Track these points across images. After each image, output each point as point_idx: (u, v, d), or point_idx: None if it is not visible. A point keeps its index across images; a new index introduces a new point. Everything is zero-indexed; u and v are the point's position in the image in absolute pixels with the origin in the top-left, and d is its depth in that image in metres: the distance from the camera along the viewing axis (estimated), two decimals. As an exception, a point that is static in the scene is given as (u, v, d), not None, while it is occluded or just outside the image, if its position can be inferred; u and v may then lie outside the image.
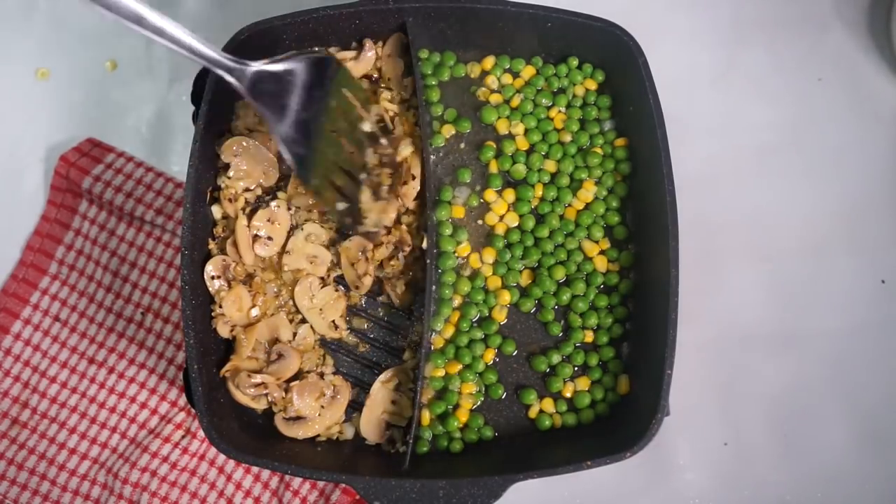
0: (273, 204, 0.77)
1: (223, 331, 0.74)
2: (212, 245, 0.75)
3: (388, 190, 0.75)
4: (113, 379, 0.85)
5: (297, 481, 0.82)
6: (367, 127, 0.73)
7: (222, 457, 0.83)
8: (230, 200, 0.75)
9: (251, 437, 0.73)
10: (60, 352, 0.86)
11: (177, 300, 0.86)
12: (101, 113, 0.91)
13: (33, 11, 0.93)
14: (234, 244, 0.75)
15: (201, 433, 0.83)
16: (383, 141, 0.75)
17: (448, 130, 0.79)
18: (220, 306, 0.74)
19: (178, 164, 0.90)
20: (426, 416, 0.74)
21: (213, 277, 0.74)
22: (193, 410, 0.78)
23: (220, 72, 0.64)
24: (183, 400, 0.85)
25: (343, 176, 0.72)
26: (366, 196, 0.74)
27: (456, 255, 0.77)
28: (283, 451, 0.72)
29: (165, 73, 0.92)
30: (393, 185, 0.75)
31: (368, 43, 0.79)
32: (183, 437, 0.83)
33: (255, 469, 0.83)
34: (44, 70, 0.92)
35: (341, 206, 0.72)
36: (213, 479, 0.82)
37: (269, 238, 0.76)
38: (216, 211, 0.76)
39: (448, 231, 0.77)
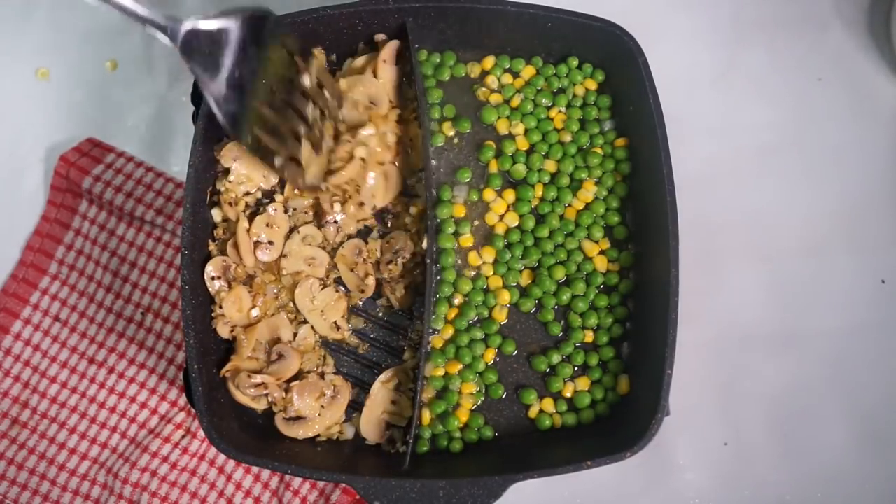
0: (271, 208, 0.77)
1: (223, 331, 0.74)
2: (212, 246, 0.75)
3: (331, 140, 0.75)
4: (113, 379, 0.85)
5: (297, 481, 0.82)
6: (306, 81, 0.72)
7: (222, 457, 0.83)
8: (231, 204, 0.75)
9: (251, 437, 0.73)
10: (60, 352, 0.86)
11: (177, 300, 0.86)
12: (101, 113, 0.91)
13: (33, 11, 0.93)
14: (235, 246, 0.75)
15: (201, 433, 0.83)
16: (326, 93, 0.74)
17: (448, 129, 0.79)
18: (221, 307, 0.74)
19: (178, 164, 0.90)
20: (426, 416, 0.74)
21: (213, 278, 0.74)
22: (193, 410, 0.78)
23: (152, 30, 0.62)
24: (183, 400, 0.85)
25: (281, 132, 0.71)
26: (306, 150, 0.72)
27: (457, 249, 0.77)
28: (283, 451, 0.73)
29: (165, 73, 0.92)
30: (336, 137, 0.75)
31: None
32: (183, 437, 0.83)
33: (255, 469, 0.83)
34: (44, 70, 0.92)
35: (279, 160, 0.70)
36: (213, 479, 0.82)
37: (270, 242, 0.76)
38: (216, 214, 0.76)
39: (450, 229, 0.77)
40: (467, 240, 0.77)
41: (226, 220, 0.76)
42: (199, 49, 0.64)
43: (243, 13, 0.66)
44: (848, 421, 0.84)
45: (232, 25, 0.65)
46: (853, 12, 0.93)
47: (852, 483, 0.83)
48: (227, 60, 0.65)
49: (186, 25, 0.63)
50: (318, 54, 0.78)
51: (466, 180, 0.78)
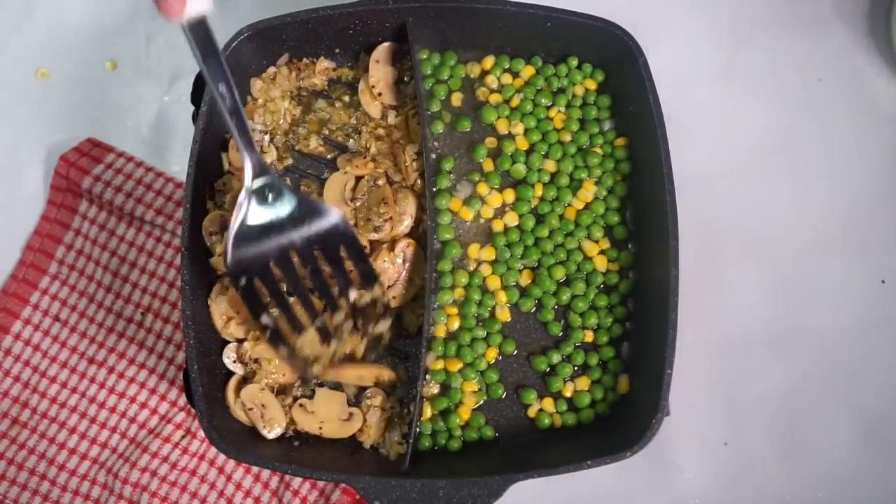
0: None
1: (237, 331, 0.74)
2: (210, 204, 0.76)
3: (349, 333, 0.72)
4: (113, 379, 0.85)
5: (297, 481, 0.82)
6: (353, 296, 0.70)
7: (222, 457, 0.83)
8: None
9: (251, 437, 0.74)
10: (60, 352, 0.86)
11: (177, 300, 0.86)
12: (101, 113, 0.91)
13: (33, 11, 0.93)
14: None
15: (201, 433, 0.83)
16: (376, 289, 0.72)
17: (446, 118, 0.80)
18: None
19: (178, 164, 0.90)
20: (427, 411, 0.74)
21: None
22: (193, 410, 0.78)
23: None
24: (183, 400, 0.85)
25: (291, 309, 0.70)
26: (310, 337, 0.70)
27: (458, 236, 0.77)
28: (283, 451, 0.72)
29: (165, 73, 0.92)
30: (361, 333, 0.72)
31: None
32: (183, 437, 0.83)
33: (255, 469, 0.83)
34: (44, 70, 0.92)
35: (265, 319, 0.69)
36: (213, 479, 0.82)
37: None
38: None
39: (447, 220, 0.77)
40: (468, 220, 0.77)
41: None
42: (263, 194, 0.67)
43: (314, 206, 0.69)
44: (848, 421, 0.84)
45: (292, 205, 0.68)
46: (853, 12, 0.93)
47: (852, 483, 0.83)
48: (287, 230, 0.68)
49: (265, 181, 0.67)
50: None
51: (448, 168, 0.78)
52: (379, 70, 0.79)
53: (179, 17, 0.59)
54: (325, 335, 0.70)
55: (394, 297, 0.75)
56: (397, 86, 0.79)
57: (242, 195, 0.67)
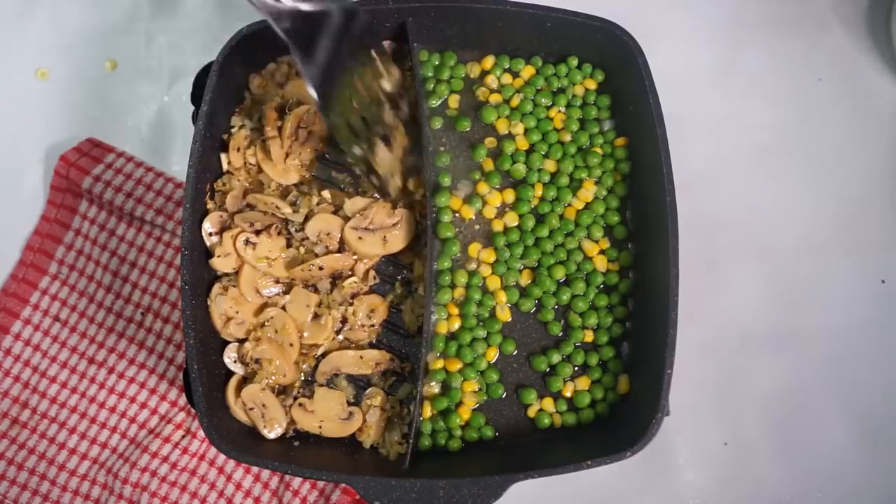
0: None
1: (238, 331, 0.74)
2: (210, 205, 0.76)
3: (402, 148, 0.76)
4: (113, 379, 0.85)
5: (297, 481, 0.82)
6: (387, 85, 0.73)
7: (222, 457, 0.83)
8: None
9: (251, 437, 0.74)
10: (60, 352, 0.86)
11: (177, 300, 0.86)
12: (101, 113, 0.91)
13: (33, 11, 0.93)
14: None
15: (201, 433, 0.83)
16: (403, 106, 0.75)
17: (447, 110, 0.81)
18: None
19: (178, 164, 0.90)
20: (427, 410, 0.74)
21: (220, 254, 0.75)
22: (193, 410, 0.78)
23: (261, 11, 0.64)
24: (183, 400, 0.85)
25: (361, 122, 0.72)
26: (381, 148, 0.74)
27: (458, 238, 0.77)
28: (283, 451, 0.72)
29: (165, 73, 0.92)
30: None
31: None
32: (183, 437, 0.83)
33: (255, 469, 0.83)
34: (44, 70, 0.92)
35: (357, 150, 0.72)
36: (213, 479, 0.82)
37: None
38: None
39: (447, 217, 0.77)
40: (467, 211, 0.78)
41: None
42: (298, 29, 0.66)
43: (342, 3, 0.68)
44: (848, 421, 0.84)
45: (332, 10, 0.67)
46: (853, 12, 0.93)
47: (851, 482, 0.83)
48: (324, 43, 0.67)
49: (287, 5, 0.65)
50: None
51: (446, 163, 0.79)
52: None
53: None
54: (386, 140, 0.74)
55: (397, 233, 0.76)
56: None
57: (288, 44, 0.66)
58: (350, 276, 0.76)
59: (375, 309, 0.76)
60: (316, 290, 0.76)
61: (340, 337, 0.76)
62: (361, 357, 0.75)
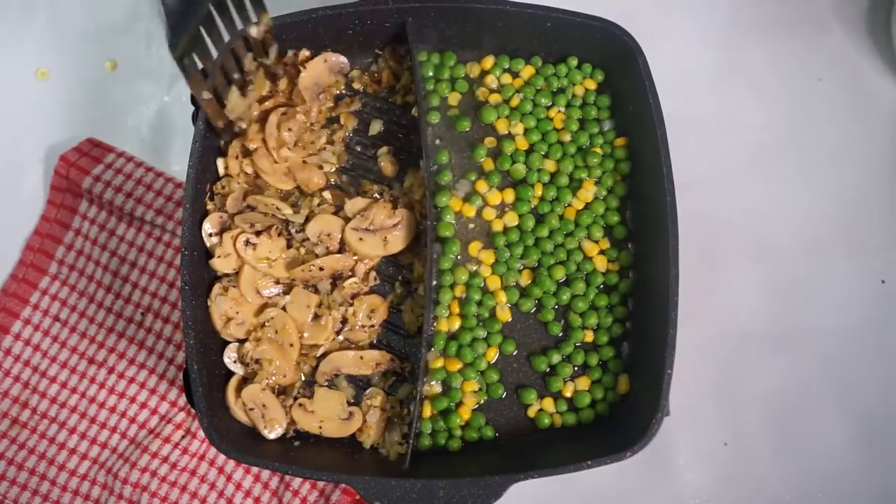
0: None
1: (238, 331, 0.74)
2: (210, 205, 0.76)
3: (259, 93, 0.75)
4: (113, 379, 0.85)
5: (297, 481, 0.82)
6: (254, 32, 0.71)
7: (222, 457, 0.83)
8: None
9: (251, 437, 0.73)
10: (60, 352, 0.86)
11: (177, 300, 0.86)
12: (101, 113, 0.91)
13: (33, 11, 0.93)
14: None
15: (201, 433, 0.83)
16: (270, 53, 0.74)
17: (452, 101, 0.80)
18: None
19: (178, 164, 0.90)
20: (427, 410, 0.74)
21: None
22: (193, 410, 0.78)
23: None
24: (183, 400, 0.85)
25: (216, 66, 0.70)
26: (234, 93, 0.72)
27: (458, 231, 0.77)
28: (283, 452, 0.72)
29: (165, 73, 0.92)
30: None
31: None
32: (183, 437, 0.83)
33: (255, 469, 0.83)
34: (44, 70, 0.92)
35: (207, 95, 0.69)
36: (213, 479, 0.82)
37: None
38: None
39: (448, 217, 0.77)
40: (463, 206, 0.78)
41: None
42: None
43: None
44: (848, 421, 0.84)
45: None
46: (852, 13, 0.93)
47: (851, 482, 0.83)
48: None
49: None
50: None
51: (444, 161, 0.78)
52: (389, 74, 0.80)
53: None
54: (242, 86, 0.73)
55: (397, 234, 0.76)
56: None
57: None
58: (350, 276, 0.76)
59: (376, 309, 0.76)
60: (316, 291, 0.76)
61: (341, 337, 0.76)
62: (362, 357, 0.75)
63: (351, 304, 0.76)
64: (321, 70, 0.79)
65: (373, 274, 0.77)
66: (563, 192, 0.78)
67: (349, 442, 0.75)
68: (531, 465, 0.69)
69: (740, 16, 0.93)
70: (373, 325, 0.76)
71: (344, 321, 0.76)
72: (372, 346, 0.77)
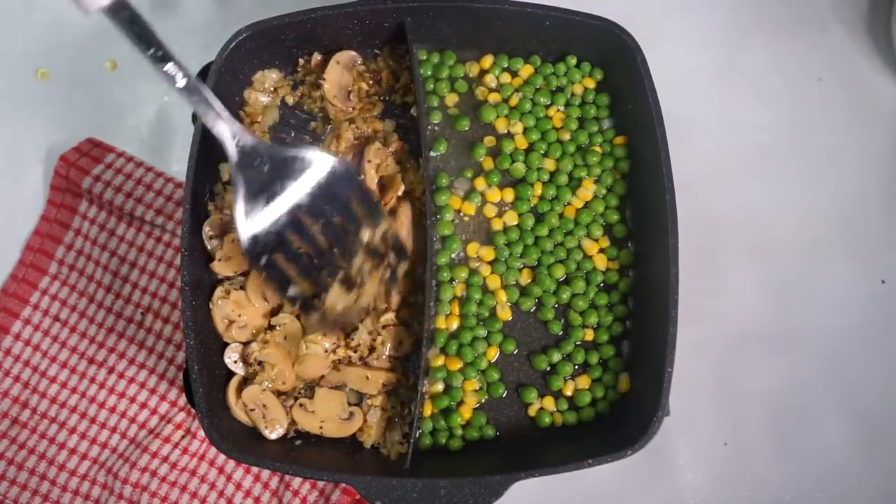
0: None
1: (241, 335, 0.74)
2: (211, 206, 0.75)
3: (370, 275, 0.71)
4: (113, 379, 0.85)
5: (297, 481, 0.82)
6: (366, 236, 0.70)
7: (222, 457, 0.83)
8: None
9: (251, 437, 0.73)
10: (60, 352, 0.86)
11: (177, 300, 0.86)
12: (101, 113, 0.91)
13: (33, 11, 0.93)
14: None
15: (201, 433, 0.83)
16: (390, 260, 0.72)
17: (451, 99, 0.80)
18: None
19: (178, 164, 0.90)
20: (428, 408, 0.74)
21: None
22: (193, 410, 0.78)
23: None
24: (183, 400, 0.85)
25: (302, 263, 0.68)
26: (335, 291, 0.70)
27: (458, 235, 0.78)
28: (283, 452, 0.72)
29: (165, 74, 0.92)
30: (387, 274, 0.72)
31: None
32: (183, 437, 0.83)
33: (255, 469, 0.83)
34: (44, 70, 0.92)
35: (293, 291, 0.69)
36: (213, 479, 0.82)
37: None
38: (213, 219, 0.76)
39: (448, 216, 0.77)
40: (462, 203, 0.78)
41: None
42: (258, 167, 0.64)
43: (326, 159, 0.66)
44: (848, 421, 0.84)
45: (309, 159, 0.65)
46: (852, 13, 0.93)
47: (851, 482, 0.83)
48: (287, 190, 0.65)
49: (250, 141, 0.63)
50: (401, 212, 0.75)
51: (468, 176, 0.78)
52: (335, 72, 0.79)
53: (100, 4, 0.56)
54: (349, 284, 0.69)
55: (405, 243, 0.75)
56: (349, 93, 0.80)
57: (234, 171, 0.64)
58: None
59: (403, 341, 0.75)
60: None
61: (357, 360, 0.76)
62: (368, 377, 0.74)
63: (380, 335, 0.75)
64: (339, 73, 0.79)
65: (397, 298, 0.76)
66: (563, 190, 0.78)
67: (350, 441, 0.75)
68: (532, 464, 0.69)
69: (740, 16, 0.93)
70: (397, 357, 0.76)
71: (371, 349, 0.75)
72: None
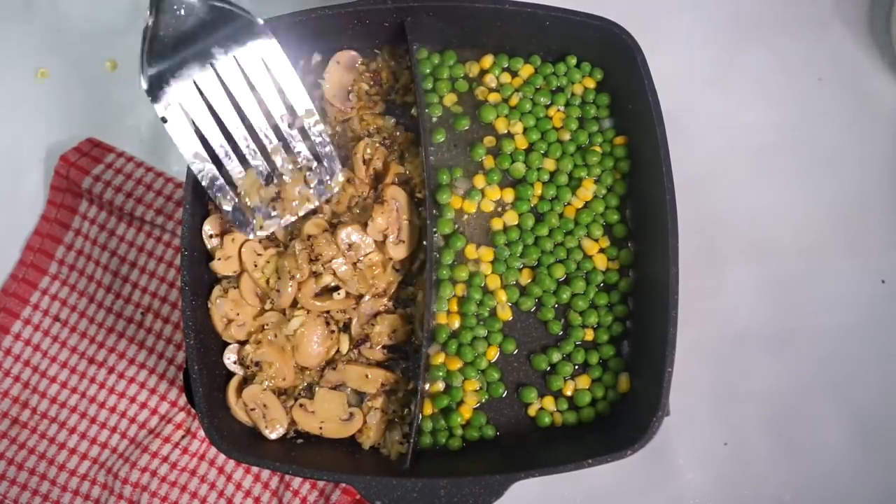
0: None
1: (239, 333, 0.74)
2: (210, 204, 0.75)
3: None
4: (113, 379, 0.85)
5: (297, 481, 0.82)
6: (282, 125, 0.68)
7: (222, 457, 0.83)
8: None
9: (251, 437, 0.74)
10: (60, 352, 0.86)
11: (177, 300, 0.86)
12: (101, 113, 0.91)
13: (33, 11, 0.93)
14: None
15: (201, 433, 0.83)
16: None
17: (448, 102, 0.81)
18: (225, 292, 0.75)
19: (178, 164, 0.89)
20: (428, 407, 0.74)
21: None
22: (193, 410, 0.78)
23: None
24: (183, 400, 0.85)
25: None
26: (250, 175, 0.67)
27: (457, 227, 0.78)
28: (283, 452, 0.72)
29: (165, 74, 0.92)
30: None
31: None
32: (183, 437, 0.83)
33: (255, 469, 0.83)
34: (44, 70, 0.92)
35: (199, 165, 0.65)
36: (213, 479, 0.82)
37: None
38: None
39: (449, 214, 0.77)
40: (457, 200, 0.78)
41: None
42: (176, 12, 0.60)
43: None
44: (848, 420, 0.84)
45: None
46: (853, 12, 0.93)
47: (851, 482, 0.83)
48: (206, 50, 0.61)
49: None
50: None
51: (458, 175, 0.78)
52: (335, 73, 0.79)
53: None
54: (267, 177, 0.66)
55: (402, 242, 0.74)
56: (348, 93, 0.79)
57: (149, 8, 0.59)
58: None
59: (397, 329, 0.75)
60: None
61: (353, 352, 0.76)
62: (367, 376, 0.74)
63: (374, 324, 0.75)
64: (339, 73, 0.79)
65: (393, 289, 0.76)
66: (563, 190, 0.78)
67: (350, 442, 0.75)
68: (532, 463, 0.69)
69: (740, 15, 0.93)
70: (393, 346, 0.75)
71: (365, 338, 0.75)
72: (380, 364, 0.76)
